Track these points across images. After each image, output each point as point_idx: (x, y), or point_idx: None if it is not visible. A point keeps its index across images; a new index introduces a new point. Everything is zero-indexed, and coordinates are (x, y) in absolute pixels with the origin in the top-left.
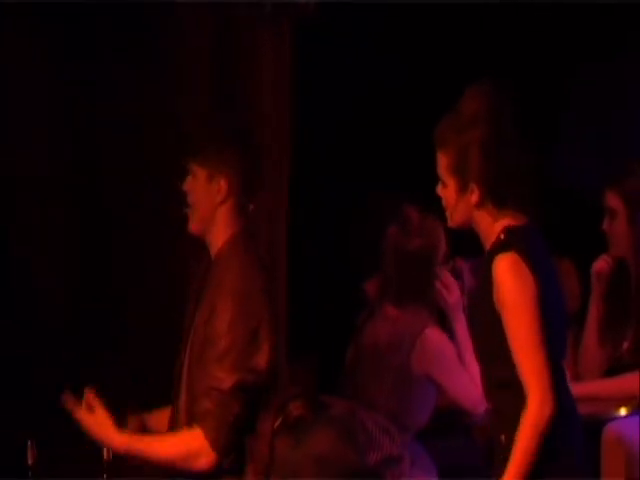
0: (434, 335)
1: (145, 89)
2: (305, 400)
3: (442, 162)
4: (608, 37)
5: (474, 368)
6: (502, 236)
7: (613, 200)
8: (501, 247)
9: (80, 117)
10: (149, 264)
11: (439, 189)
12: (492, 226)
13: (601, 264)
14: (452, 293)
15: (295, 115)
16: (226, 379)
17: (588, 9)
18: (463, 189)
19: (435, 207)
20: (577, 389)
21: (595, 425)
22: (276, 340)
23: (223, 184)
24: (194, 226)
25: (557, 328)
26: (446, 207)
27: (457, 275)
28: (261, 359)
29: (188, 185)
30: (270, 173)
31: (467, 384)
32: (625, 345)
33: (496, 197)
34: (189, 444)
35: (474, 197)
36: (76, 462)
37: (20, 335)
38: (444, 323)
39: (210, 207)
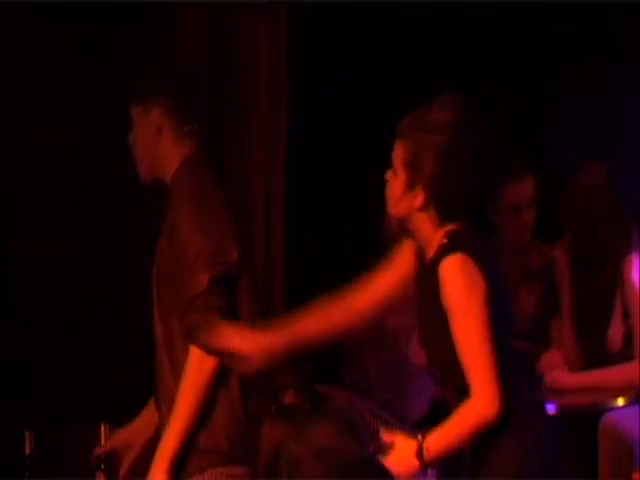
0: None
1: None
2: (298, 389)
3: (398, 152)
4: (599, 39)
5: None
6: (445, 240)
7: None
8: (447, 250)
9: (79, 117)
10: (150, 263)
11: (388, 174)
12: (433, 234)
13: (559, 252)
14: None
15: (291, 106)
16: (202, 279)
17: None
18: (410, 187)
19: None
20: (575, 379)
21: (593, 415)
22: (239, 232)
23: (157, 112)
24: (142, 169)
25: (504, 330)
26: (389, 195)
27: None
28: (231, 254)
29: (131, 136)
30: (267, 163)
31: None
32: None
33: (440, 208)
34: (195, 372)
35: (418, 200)
36: (73, 452)
37: (20, 331)
38: None
39: (151, 140)
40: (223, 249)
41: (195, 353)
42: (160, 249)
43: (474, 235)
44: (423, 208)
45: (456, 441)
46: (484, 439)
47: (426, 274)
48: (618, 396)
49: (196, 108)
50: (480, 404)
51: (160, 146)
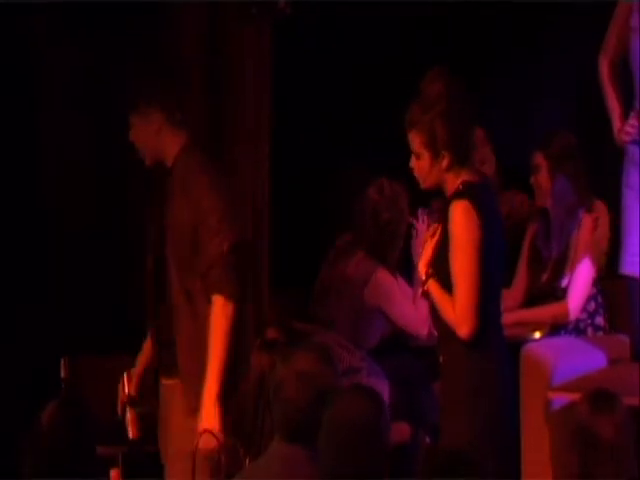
0: (383, 275)
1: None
2: (279, 326)
3: (415, 140)
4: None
5: (424, 303)
6: (460, 187)
7: (538, 158)
8: (458, 195)
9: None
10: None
11: (412, 162)
12: (455, 182)
13: (533, 228)
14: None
15: (274, 102)
16: (225, 242)
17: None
18: (436, 157)
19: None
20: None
21: (515, 346)
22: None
23: (155, 116)
24: (147, 158)
25: (497, 266)
26: (419, 175)
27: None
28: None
29: (131, 136)
30: (252, 154)
31: (411, 314)
32: (544, 277)
33: (460, 158)
34: (222, 317)
35: (445, 162)
36: (104, 378)
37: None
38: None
39: (152, 139)
40: (236, 218)
41: (219, 301)
42: (173, 221)
43: (483, 187)
44: (449, 167)
45: (437, 306)
46: (452, 360)
47: (445, 211)
48: (535, 330)
49: (184, 101)
50: (456, 322)
51: (161, 140)
